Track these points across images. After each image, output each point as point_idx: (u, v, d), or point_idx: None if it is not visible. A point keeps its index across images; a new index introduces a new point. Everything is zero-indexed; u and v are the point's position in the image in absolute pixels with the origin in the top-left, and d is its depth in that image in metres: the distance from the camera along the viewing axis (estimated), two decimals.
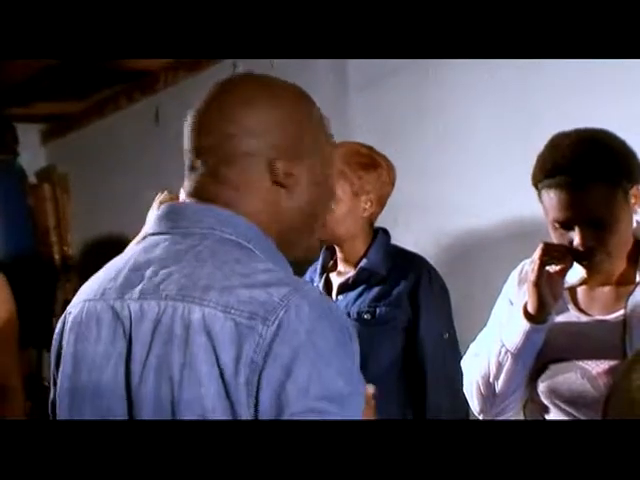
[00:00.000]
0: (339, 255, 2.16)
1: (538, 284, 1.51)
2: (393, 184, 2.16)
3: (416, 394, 2.03)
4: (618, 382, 0.93)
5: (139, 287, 1.08)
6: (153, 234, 1.15)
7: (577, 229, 1.50)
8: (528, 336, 1.53)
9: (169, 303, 1.03)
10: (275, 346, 0.97)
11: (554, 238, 1.55)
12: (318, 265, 2.22)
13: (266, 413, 0.97)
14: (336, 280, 2.16)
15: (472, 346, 1.73)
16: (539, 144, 1.58)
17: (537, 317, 1.52)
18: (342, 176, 2.03)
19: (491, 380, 1.60)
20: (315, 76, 2.88)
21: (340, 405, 0.98)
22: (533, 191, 1.60)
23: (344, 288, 2.11)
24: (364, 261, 2.09)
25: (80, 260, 4.76)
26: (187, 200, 1.16)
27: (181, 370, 1.00)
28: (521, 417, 1.68)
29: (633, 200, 1.52)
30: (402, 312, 2.02)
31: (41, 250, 4.80)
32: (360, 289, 2.08)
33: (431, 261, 2.18)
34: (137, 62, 3.70)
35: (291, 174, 1.14)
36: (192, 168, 1.17)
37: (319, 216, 1.21)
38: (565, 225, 1.52)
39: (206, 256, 1.06)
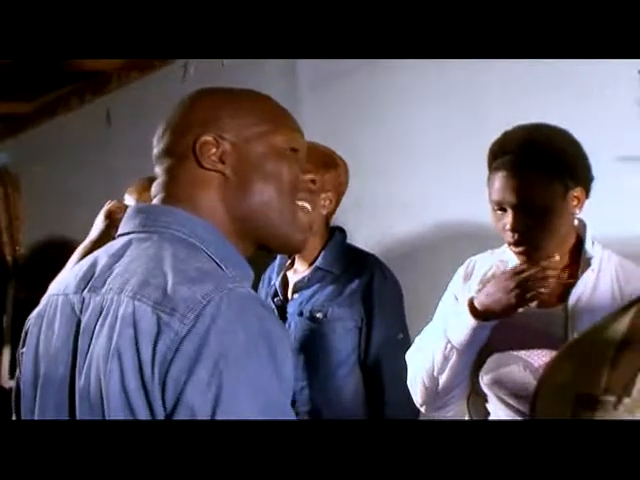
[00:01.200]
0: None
1: (503, 287, 1.49)
2: (347, 185, 2.15)
3: (372, 393, 2.01)
4: (545, 375, 0.91)
5: (91, 281, 1.08)
6: (120, 235, 1.14)
7: (510, 212, 1.50)
8: (474, 332, 1.52)
9: (110, 297, 1.02)
10: (184, 344, 0.94)
11: (493, 221, 1.55)
12: (276, 264, 2.19)
13: (171, 413, 0.94)
14: (292, 278, 2.13)
15: (416, 340, 1.71)
16: (486, 146, 1.58)
17: (485, 313, 1.51)
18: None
19: (435, 374, 1.59)
20: (265, 76, 2.85)
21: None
22: (479, 191, 1.59)
23: (299, 286, 2.08)
24: (319, 260, 2.07)
25: (32, 259, 4.65)
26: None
27: (110, 362, 0.98)
28: (465, 410, 1.66)
29: (575, 202, 1.52)
30: (354, 311, 2.00)
31: None
32: (315, 288, 2.06)
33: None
34: (89, 62, 3.61)
35: (223, 161, 1.10)
36: (157, 173, 1.16)
37: (279, 210, 1.12)
38: (500, 207, 1.52)
39: (151, 252, 1.04)
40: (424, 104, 2.36)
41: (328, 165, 2.06)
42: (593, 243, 1.57)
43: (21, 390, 1.15)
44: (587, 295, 1.52)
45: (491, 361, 1.55)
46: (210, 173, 1.10)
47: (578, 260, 1.56)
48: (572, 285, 1.53)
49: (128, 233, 1.11)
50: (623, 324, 0.76)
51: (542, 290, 1.48)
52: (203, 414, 0.91)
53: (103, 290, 1.04)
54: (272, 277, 2.18)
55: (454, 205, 2.27)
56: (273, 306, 2.09)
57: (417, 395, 1.66)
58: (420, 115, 2.38)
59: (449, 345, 1.55)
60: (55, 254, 2.61)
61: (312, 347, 2.00)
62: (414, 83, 2.38)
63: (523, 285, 1.48)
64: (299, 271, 2.11)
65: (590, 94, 1.97)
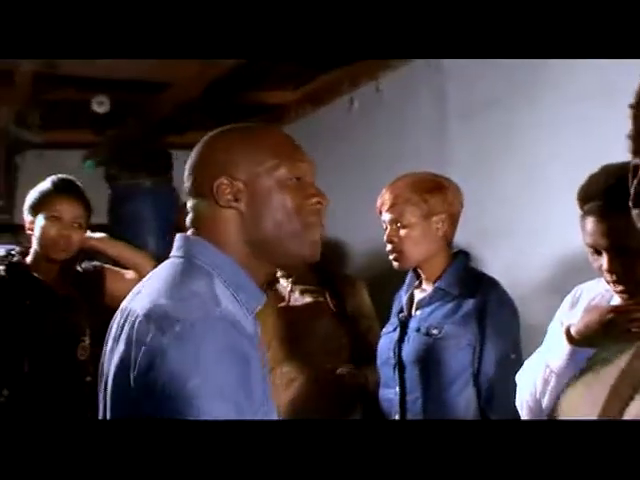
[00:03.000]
0: (422, 275, 2.18)
1: (601, 320, 1.44)
2: (461, 204, 2.15)
3: (481, 410, 1.99)
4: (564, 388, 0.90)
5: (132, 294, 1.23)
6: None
7: (604, 255, 1.46)
8: (570, 358, 1.50)
9: (131, 307, 1.16)
10: (150, 351, 1.07)
11: (591, 261, 1.52)
12: (406, 284, 2.23)
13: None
14: (417, 296, 2.18)
15: (525, 363, 1.69)
16: None
17: (580, 340, 1.47)
18: (410, 203, 2.07)
19: (537, 397, 1.58)
20: (418, 103, 2.90)
21: None
22: None
23: (422, 304, 2.13)
24: (440, 281, 2.10)
25: None
26: None
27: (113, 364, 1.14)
28: None
29: None
30: (468, 330, 1.99)
31: None
32: (434, 306, 2.09)
33: (516, 283, 2.12)
34: (269, 96, 3.85)
35: (237, 199, 1.20)
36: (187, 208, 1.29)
37: (287, 231, 1.22)
38: (595, 250, 1.48)
39: (165, 275, 1.18)
40: (554, 133, 2.30)
41: (432, 189, 2.08)
42: None
43: None
44: None
45: None
46: (227, 210, 1.21)
47: None
48: None
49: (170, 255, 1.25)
50: (627, 356, 0.77)
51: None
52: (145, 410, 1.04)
53: (133, 300, 1.19)
54: (401, 295, 2.23)
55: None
56: (397, 321, 2.14)
57: (524, 415, 1.64)
58: (549, 144, 2.32)
59: (548, 369, 1.54)
60: None
61: (427, 361, 2.02)
62: (549, 119, 2.32)
63: (622, 323, 1.42)
64: (424, 290, 2.15)
65: None
